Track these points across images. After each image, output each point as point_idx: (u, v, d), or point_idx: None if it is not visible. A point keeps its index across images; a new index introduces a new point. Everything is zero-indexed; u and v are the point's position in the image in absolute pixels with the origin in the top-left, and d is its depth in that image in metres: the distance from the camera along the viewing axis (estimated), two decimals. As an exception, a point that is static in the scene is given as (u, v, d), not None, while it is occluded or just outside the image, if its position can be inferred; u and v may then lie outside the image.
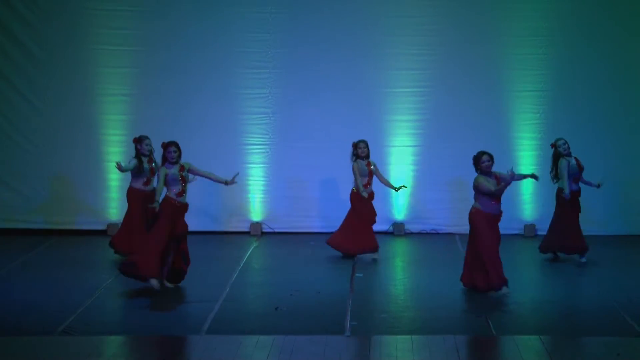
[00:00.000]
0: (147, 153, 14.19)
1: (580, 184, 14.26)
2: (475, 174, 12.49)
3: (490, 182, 12.34)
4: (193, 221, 13.55)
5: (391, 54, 16.44)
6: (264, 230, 16.68)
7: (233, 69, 16.48)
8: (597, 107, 16.40)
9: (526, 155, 16.41)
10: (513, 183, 15.91)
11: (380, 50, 16.45)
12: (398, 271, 13.92)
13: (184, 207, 12.65)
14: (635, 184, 16.39)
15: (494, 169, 12.48)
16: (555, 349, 10.15)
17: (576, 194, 14.21)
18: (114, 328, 11.03)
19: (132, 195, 14.35)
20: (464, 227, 16.44)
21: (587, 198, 14.71)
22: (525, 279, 13.58)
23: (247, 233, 16.55)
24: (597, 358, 10.18)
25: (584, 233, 14.39)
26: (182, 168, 12.61)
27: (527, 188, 16.42)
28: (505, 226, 16.51)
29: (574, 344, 10.56)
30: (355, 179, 14.54)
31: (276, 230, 16.67)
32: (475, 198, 12.48)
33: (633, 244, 14.87)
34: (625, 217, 15.49)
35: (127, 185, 14.48)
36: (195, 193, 13.89)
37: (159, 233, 12.44)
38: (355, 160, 14.55)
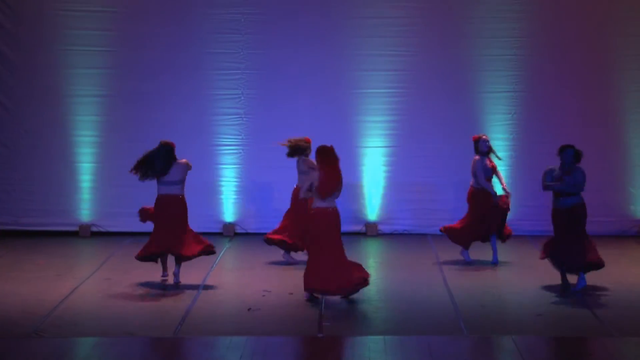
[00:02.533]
0: None
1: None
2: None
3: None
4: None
5: (363, 55, 16.47)
6: (236, 231, 16.66)
7: (205, 70, 16.46)
8: (569, 108, 16.48)
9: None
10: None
11: (353, 51, 16.47)
12: (371, 272, 13.90)
13: None
14: (607, 185, 16.47)
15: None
16: (527, 349, 10.18)
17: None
18: (86, 330, 10.97)
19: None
20: (436, 228, 16.53)
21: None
22: (498, 279, 13.63)
23: (220, 234, 16.51)
24: (568, 358, 10.23)
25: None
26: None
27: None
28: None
29: (546, 344, 10.60)
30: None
31: (249, 231, 16.65)
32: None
33: (605, 245, 14.92)
34: (599, 218, 15.53)
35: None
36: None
37: None
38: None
